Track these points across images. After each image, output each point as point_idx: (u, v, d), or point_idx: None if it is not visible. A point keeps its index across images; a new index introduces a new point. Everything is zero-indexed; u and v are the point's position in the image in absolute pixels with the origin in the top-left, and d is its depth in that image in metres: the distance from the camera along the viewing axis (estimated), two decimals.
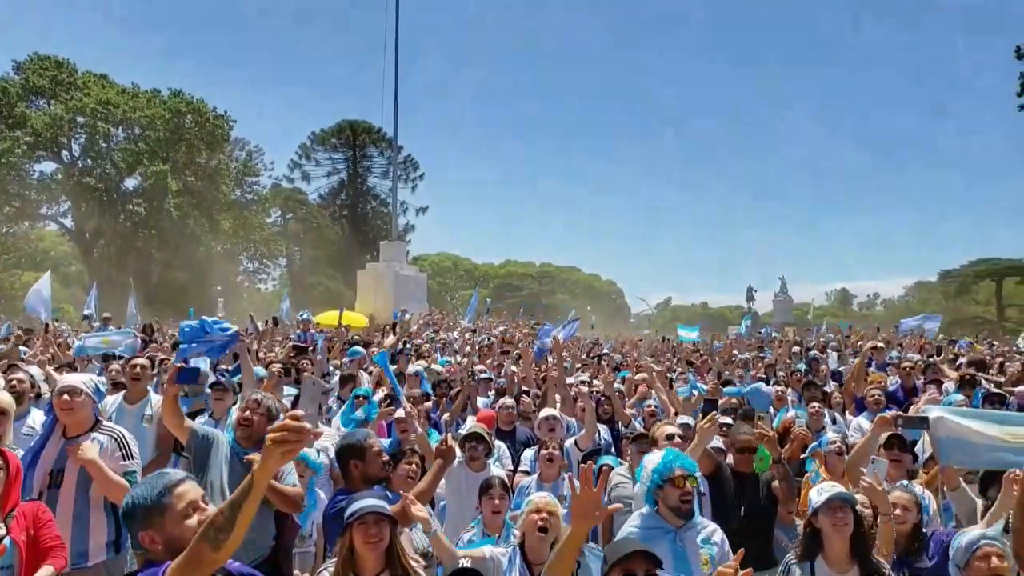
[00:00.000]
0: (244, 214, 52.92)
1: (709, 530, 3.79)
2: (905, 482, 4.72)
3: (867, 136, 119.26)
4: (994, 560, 3.08)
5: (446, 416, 7.89)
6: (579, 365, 12.63)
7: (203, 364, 7.62)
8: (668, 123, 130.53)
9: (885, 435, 5.20)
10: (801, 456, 5.97)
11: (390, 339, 12.67)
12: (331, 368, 10.04)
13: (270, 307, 38.20)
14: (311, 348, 10.85)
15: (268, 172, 59.07)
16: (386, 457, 4.38)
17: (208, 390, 6.76)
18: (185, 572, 2.04)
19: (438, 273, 66.68)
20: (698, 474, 3.93)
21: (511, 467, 6.32)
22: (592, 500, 2.77)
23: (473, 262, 79.06)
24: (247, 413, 4.59)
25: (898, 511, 4.06)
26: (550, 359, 10.04)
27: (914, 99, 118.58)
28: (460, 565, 3.59)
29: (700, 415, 5.21)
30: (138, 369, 6.39)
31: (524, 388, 8.75)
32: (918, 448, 6.03)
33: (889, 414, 5.29)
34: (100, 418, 4.52)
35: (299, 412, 2.19)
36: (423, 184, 64.22)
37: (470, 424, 6.36)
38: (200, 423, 5.01)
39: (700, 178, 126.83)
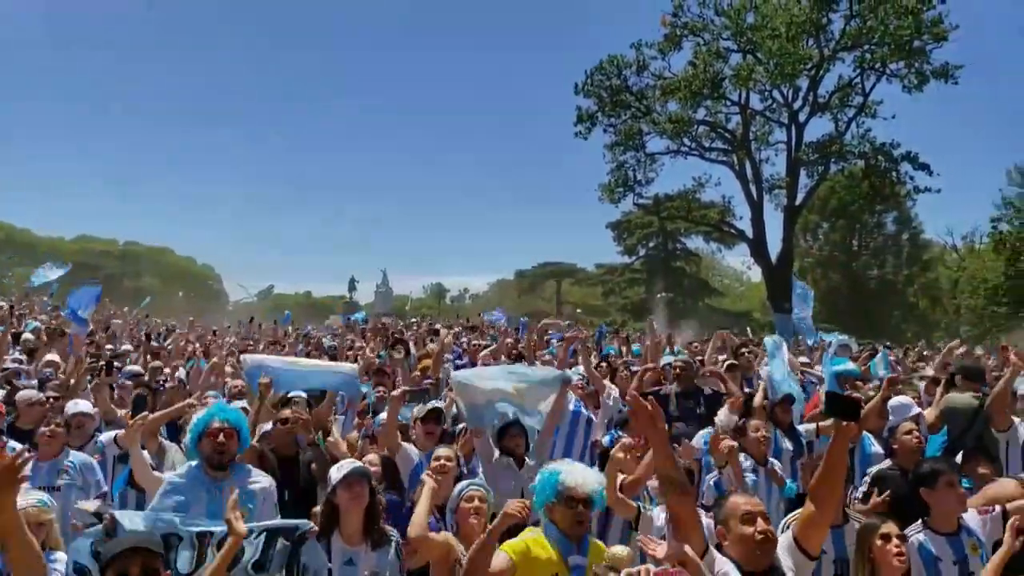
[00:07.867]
0: None
1: (257, 485, 3.86)
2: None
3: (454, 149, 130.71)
4: (476, 501, 3.74)
5: None
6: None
7: None
8: (277, 107, 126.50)
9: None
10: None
11: None
12: None
13: None
14: None
15: None
16: None
17: None
18: None
19: None
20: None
21: None
22: None
23: (35, 234, 66.99)
24: None
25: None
26: None
27: (504, 127, 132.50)
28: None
29: None
30: None
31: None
32: None
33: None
34: None
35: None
36: None
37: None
38: None
39: (304, 167, 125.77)
